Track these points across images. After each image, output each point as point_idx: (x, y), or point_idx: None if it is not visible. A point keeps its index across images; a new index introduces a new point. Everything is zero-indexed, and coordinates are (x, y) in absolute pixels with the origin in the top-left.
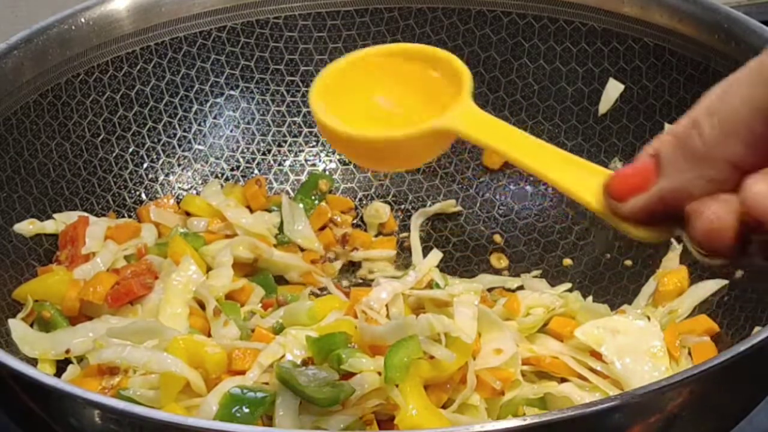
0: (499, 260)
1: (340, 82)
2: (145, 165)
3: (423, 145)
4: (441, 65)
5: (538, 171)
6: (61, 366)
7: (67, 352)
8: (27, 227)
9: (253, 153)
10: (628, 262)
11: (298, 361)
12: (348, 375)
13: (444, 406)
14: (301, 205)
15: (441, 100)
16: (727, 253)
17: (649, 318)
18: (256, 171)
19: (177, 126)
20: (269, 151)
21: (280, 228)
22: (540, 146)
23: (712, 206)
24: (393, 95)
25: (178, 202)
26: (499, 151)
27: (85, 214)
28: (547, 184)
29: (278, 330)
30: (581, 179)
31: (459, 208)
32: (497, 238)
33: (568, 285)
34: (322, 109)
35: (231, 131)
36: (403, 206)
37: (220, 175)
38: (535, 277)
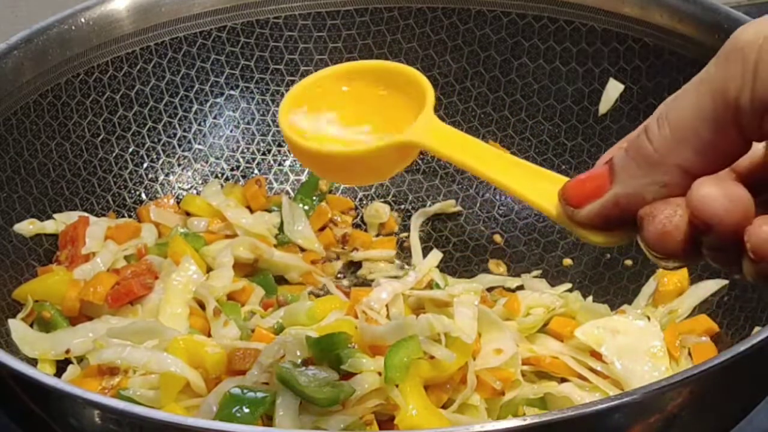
0: (497, 266)
1: (308, 99)
2: (145, 165)
3: (387, 159)
4: (404, 80)
5: (499, 182)
6: (61, 366)
7: (67, 352)
8: (27, 227)
9: (253, 153)
10: (629, 262)
11: (298, 362)
12: (348, 375)
13: (444, 406)
14: (301, 206)
15: (405, 114)
16: (679, 255)
17: (649, 318)
18: (256, 171)
19: (177, 126)
20: (269, 151)
21: (280, 228)
22: (500, 157)
23: (665, 210)
24: (359, 110)
25: (178, 202)
26: (461, 163)
27: (85, 214)
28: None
29: (278, 330)
30: (541, 188)
31: (459, 208)
32: (497, 238)
33: (569, 285)
34: (288, 125)
35: (231, 131)
36: (403, 206)
37: (220, 175)
38: (536, 277)
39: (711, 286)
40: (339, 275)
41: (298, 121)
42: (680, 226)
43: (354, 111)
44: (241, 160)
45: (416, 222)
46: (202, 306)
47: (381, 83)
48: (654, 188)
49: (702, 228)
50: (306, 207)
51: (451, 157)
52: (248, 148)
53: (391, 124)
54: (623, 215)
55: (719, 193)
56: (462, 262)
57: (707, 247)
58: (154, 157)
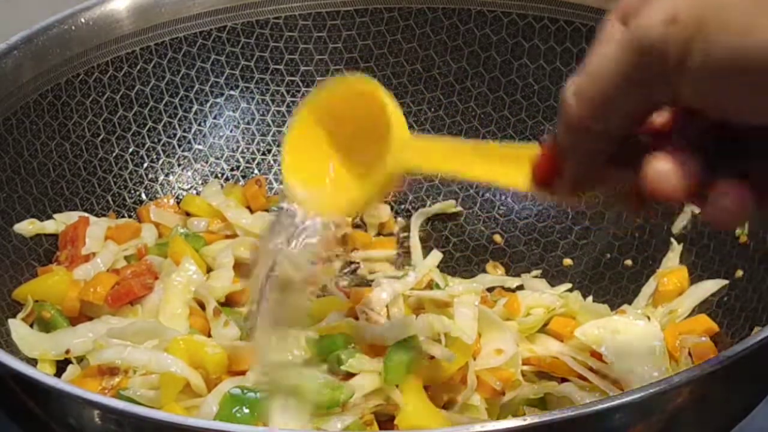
0: (494, 268)
1: (300, 151)
2: (145, 165)
3: (382, 190)
4: (369, 100)
5: (483, 179)
6: (61, 366)
7: (67, 352)
8: (27, 227)
9: (253, 153)
10: (628, 262)
11: (299, 361)
12: (348, 375)
13: (444, 407)
14: None
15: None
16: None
17: (649, 318)
18: (256, 171)
19: (177, 126)
20: (269, 151)
21: None
22: (475, 150)
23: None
24: (347, 139)
25: (178, 202)
26: (449, 172)
27: (86, 214)
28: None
29: None
30: (520, 170)
31: (459, 208)
32: (497, 238)
33: (569, 285)
34: (296, 185)
35: (231, 131)
36: (403, 206)
37: (220, 175)
38: (536, 277)
39: (711, 286)
40: (339, 275)
41: (298, 174)
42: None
43: (343, 139)
44: (241, 160)
45: (416, 222)
46: (203, 306)
47: (354, 105)
48: (596, 143)
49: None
50: None
51: (438, 169)
52: (248, 148)
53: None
54: (592, 176)
55: (672, 170)
56: (462, 262)
57: None
58: (154, 157)
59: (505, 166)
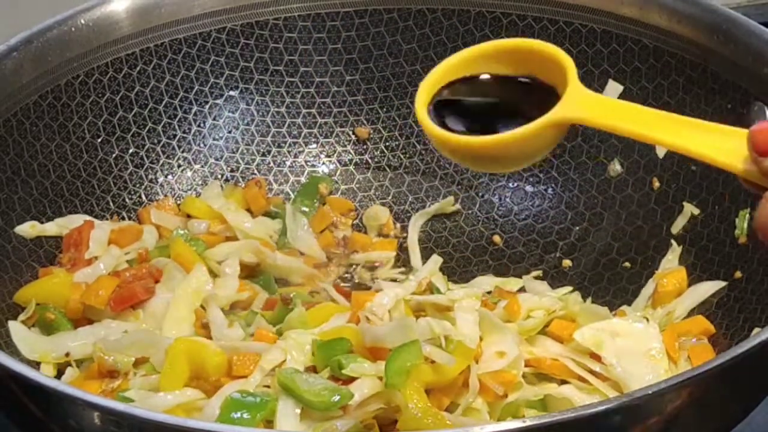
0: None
1: (442, 89)
2: (144, 166)
3: (540, 141)
4: (540, 56)
5: (668, 143)
6: (62, 368)
7: (67, 355)
8: (28, 230)
9: (252, 154)
10: (627, 263)
11: (300, 366)
12: (349, 380)
13: (447, 411)
14: (304, 208)
15: (541, 93)
16: None
17: (647, 320)
18: (255, 172)
19: (176, 127)
20: (269, 152)
21: (281, 232)
22: (662, 117)
23: None
24: (496, 94)
25: (177, 204)
26: (623, 131)
27: (86, 216)
28: (547, 183)
29: (279, 332)
30: (713, 142)
31: (458, 206)
32: (496, 238)
33: (569, 288)
34: (428, 119)
35: (230, 132)
36: (402, 207)
37: (219, 176)
38: (536, 278)
39: (709, 288)
40: (339, 278)
41: (438, 113)
42: None
43: (491, 93)
44: (240, 161)
45: (415, 223)
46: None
47: (516, 66)
48: None
49: None
50: (306, 209)
51: (613, 126)
52: (248, 149)
53: (526, 107)
54: None
55: None
56: (461, 262)
57: None
58: (154, 158)
59: (699, 134)
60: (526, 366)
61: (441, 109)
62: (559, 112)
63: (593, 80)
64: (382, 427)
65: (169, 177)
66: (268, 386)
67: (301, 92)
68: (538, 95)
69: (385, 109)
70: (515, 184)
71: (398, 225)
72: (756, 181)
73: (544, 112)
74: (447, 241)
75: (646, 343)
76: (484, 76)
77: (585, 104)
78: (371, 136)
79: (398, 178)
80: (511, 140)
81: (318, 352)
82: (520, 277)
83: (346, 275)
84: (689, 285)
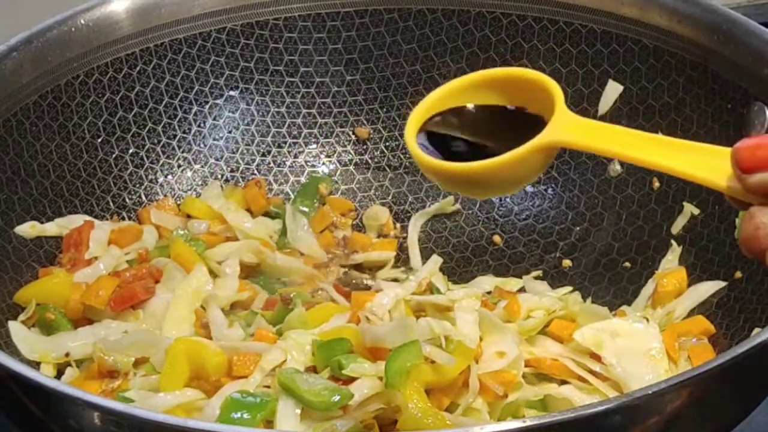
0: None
1: (431, 119)
2: (144, 166)
3: (528, 165)
4: (527, 84)
5: (656, 164)
6: (62, 368)
7: (67, 355)
8: (28, 230)
9: (252, 154)
10: (628, 264)
11: (300, 366)
12: (349, 380)
13: (447, 411)
14: (304, 208)
15: (529, 121)
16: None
17: (647, 320)
18: (255, 172)
19: (177, 127)
20: (269, 152)
21: (281, 233)
22: (649, 139)
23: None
24: (484, 123)
25: (177, 204)
26: (610, 153)
27: (86, 216)
28: (547, 183)
29: (279, 332)
30: (701, 162)
31: (458, 206)
32: (497, 239)
33: (569, 288)
34: (416, 147)
35: (230, 132)
36: (402, 207)
37: (219, 176)
38: (536, 278)
39: (709, 288)
40: (339, 278)
41: (428, 143)
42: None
43: (478, 122)
44: (240, 161)
45: (415, 223)
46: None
47: (503, 93)
48: None
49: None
50: (306, 209)
51: (599, 149)
52: (248, 150)
53: (516, 134)
54: None
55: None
56: (461, 262)
57: None
58: (154, 158)
59: (684, 155)
60: (526, 366)
61: (430, 138)
62: (546, 136)
63: (593, 80)
64: (382, 427)
65: (169, 177)
66: (268, 386)
67: (301, 92)
68: (527, 123)
69: (385, 109)
70: None
71: (398, 225)
72: (740, 197)
73: (530, 137)
74: (447, 241)
75: (646, 343)
76: (473, 106)
77: (572, 128)
78: (371, 136)
79: (398, 178)
80: (498, 166)
81: (318, 352)
82: (520, 277)
83: (346, 275)
84: (689, 285)
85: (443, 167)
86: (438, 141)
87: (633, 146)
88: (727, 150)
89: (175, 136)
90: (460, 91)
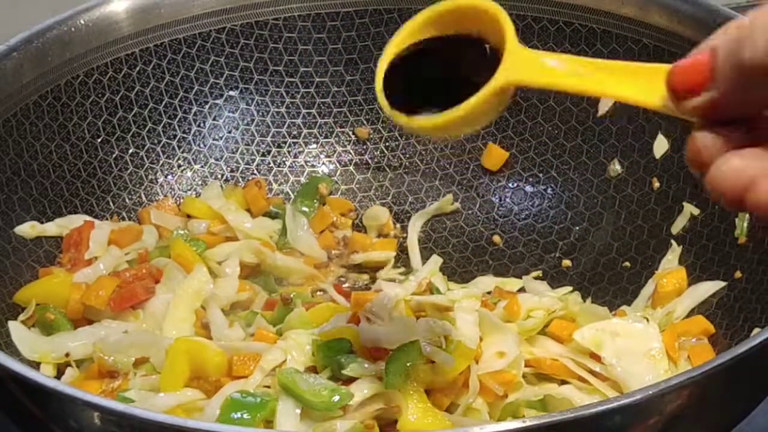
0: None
1: (396, 68)
2: (144, 166)
3: (483, 110)
4: (481, 15)
5: (598, 92)
6: (62, 368)
7: (67, 355)
8: (28, 230)
9: (252, 154)
10: (627, 263)
11: (300, 366)
12: (349, 380)
13: (447, 411)
14: (305, 208)
15: (486, 52)
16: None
17: (647, 320)
18: (255, 172)
19: (176, 127)
20: (269, 152)
21: (281, 233)
22: (589, 64)
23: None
24: (444, 57)
25: (177, 204)
26: (557, 87)
27: (86, 216)
28: (547, 183)
29: (279, 332)
30: (641, 86)
31: (457, 205)
32: (496, 239)
33: (569, 288)
34: (386, 104)
35: (230, 132)
36: (402, 207)
37: (219, 176)
38: (536, 278)
39: (709, 288)
40: (340, 279)
41: (391, 88)
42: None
43: (439, 62)
44: (240, 161)
45: (415, 223)
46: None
47: (461, 27)
48: (753, 98)
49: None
50: (306, 209)
51: (548, 83)
52: (248, 149)
53: (477, 67)
54: (730, 114)
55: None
56: (461, 262)
57: None
58: (154, 158)
59: (636, 80)
60: (526, 366)
61: (394, 83)
62: (499, 80)
63: None
64: (382, 427)
65: (169, 177)
66: (268, 386)
67: (301, 92)
68: (484, 54)
69: None
70: (515, 184)
71: (398, 225)
72: (674, 115)
73: (490, 71)
74: (447, 241)
75: (646, 343)
76: (436, 43)
77: (523, 65)
78: (371, 136)
79: (398, 178)
80: (458, 116)
81: (318, 352)
82: (520, 277)
83: (346, 276)
84: (689, 285)
85: (410, 122)
86: (400, 86)
87: (578, 76)
88: (665, 68)
89: (175, 136)
90: (417, 30)
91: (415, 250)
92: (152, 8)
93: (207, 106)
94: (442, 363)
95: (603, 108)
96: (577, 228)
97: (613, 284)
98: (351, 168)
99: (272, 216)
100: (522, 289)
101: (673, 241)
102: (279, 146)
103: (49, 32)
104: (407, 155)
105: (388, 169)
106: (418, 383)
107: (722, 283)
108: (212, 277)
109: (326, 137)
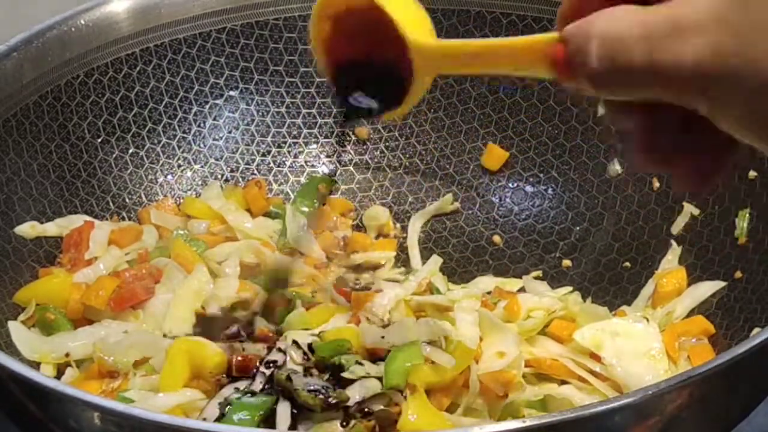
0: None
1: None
2: (144, 166)
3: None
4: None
5: (491, 73)
6: (62, 368)
7: (67, 355)
8: (28, 230)
9: (252, 154)
10: (627, 264)
11: (300, 367)
12: (350, 380)
13: (447, 411)
14: (305, 209)
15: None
16: None
17: (647, 320)
18: (255, 172)
19: (176, 127)
20: (269, 152)
21: (281, 233)
22: (482, 46)
23: None
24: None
25: (177, 204)
26: (457, 73)
27: (86, 216)
28: (547, 183)
29: (279, 332)
30: (531, 60)
31: (457, 205)
32: (496, 239)
33: (569, 288)
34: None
35: (230, 132)
36: (402, 207)
37: (219, 176)
38: (536, 278)
39: (709, 288)
40: (339, 278)
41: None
42: None
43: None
44: (240, 161)
45: (415, 223)
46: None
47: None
48: None
49: None
50: (306, 209)
51: (448, 71)
52: (248, 150)
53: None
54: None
55: None
56: (461, 262)
57: None
58: (154, 158)
59: (530, 57)
60: (526, 366)
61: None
62: (417, 82)
63: None
64: (382, 427)
65: (169, 177)
66: (268, 386)
67: (301, 92)
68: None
69: None
70: (515, 184)
71: (398, 225)
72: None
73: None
74: (447, 241)
75: (646, 343)
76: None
77: (426, 61)
78: (371, 136)
79: (398, 178)
80: (395, 115)
81: (318, 353)
82: (520, 277)
83: (346, 276)
84: (689, 285)
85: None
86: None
87: (476, 59)
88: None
89: (175, 136)
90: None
91: (415, 250)
92: (152, 8)
93: (207, 106)
94: (442, 363)
95: (603, 108)
96: (578, 228)
97: (613, 284)
98: (351, 168)
99: (272, 216)
100: (522, 289)
101: (673, 241)
102: (279, 146)
103: (49, 32)
104: (407, 155)
105: (388, 169)
106: (418, 383)
107: (722, 283)
108: (212, 277)
109: (326, 137)
